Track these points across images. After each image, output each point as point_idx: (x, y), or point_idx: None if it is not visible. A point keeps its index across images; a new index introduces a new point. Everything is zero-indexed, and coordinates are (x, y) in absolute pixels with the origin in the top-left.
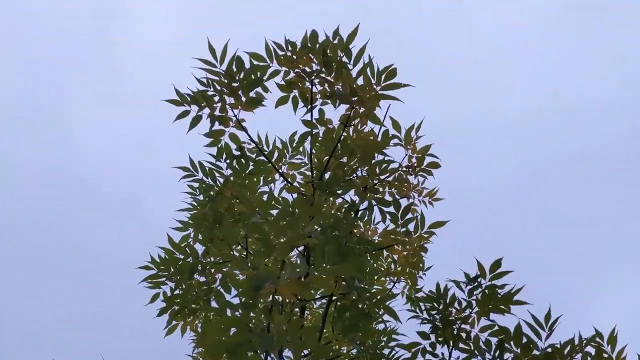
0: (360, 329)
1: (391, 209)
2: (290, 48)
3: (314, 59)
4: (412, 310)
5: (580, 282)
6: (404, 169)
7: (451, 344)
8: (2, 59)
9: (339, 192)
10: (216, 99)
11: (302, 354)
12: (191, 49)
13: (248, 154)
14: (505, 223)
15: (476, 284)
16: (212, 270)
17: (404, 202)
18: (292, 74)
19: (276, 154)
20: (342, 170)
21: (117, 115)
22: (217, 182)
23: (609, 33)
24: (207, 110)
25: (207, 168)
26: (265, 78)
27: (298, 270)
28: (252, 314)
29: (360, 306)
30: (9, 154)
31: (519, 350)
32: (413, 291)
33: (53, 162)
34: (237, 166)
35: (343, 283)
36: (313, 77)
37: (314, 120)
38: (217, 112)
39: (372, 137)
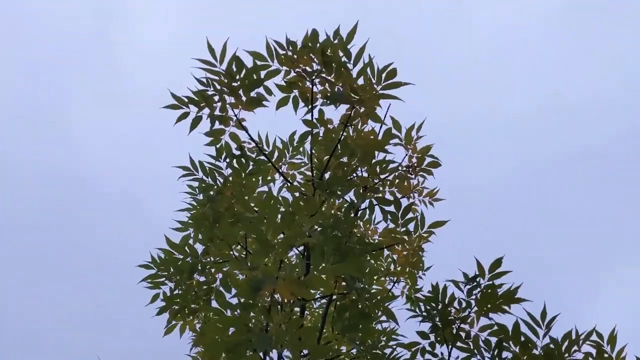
0: (360, 329)
1: (392, 208)
2: (291, 48)
3: (315, 59)
4: (411, 310)
5: (580, 282)
6: (404, 168)
7: (450, 344)
8: (2, 59)
9: (340, 192)
10: (216, 98)
11: (302, 353)
12: (191, 49)
13: (248, 153)
14: (505, 223)
15: (475, 283)
16: (212, 270)
17: (404, 202)
18: (292, 74)
19: (276, 154)
20: (343, 170)
21: (117, 115)
22: (217, 182)
23: (609, 33)
24: (207, 110)
25: (207, 167)
26: (264, 76)
27: (297, 270)
28: (251, 314)
29: (360, 306)
30: (9, 154)
31: (517, 349)
32: (413, 291)
33: (53, 162)
34: (237, 166)
35: (343, 283)
36: (313, 77)
37: (314, 120)
38: (217, 112)
39: (372, 137)
